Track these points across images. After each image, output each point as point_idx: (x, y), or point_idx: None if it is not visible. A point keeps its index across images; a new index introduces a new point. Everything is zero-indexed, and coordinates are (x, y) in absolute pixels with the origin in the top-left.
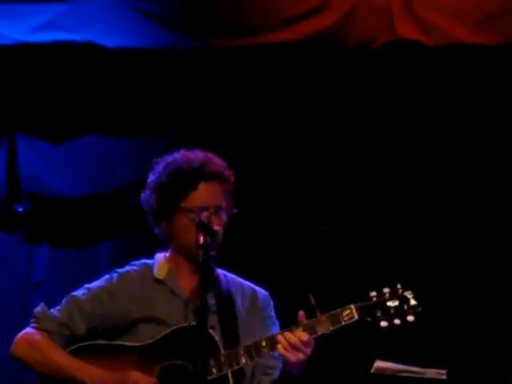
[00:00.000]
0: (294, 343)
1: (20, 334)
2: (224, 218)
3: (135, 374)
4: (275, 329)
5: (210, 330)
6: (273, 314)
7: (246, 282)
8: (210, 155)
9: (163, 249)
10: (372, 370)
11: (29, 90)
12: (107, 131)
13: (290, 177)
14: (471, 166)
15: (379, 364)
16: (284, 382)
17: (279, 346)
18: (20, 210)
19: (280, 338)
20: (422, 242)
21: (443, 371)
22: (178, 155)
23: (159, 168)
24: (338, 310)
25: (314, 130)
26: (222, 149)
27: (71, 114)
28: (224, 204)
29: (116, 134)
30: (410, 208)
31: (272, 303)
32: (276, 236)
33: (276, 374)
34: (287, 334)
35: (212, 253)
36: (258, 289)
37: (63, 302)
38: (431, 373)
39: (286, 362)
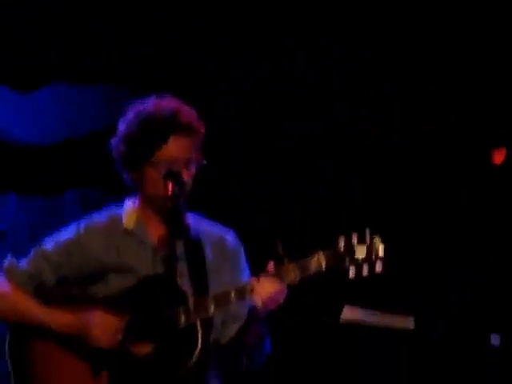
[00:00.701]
0: (265, 292)
1: None
2: (193, 169)
3: (99, 313)
4: (245, 276)
5: (179, 279)
6: (243, 259)
7: (216, 227)
8: (182, 105)
9: (131, 195)
10: (340, 319)
11: None
12: (72, 79)
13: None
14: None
15: (347, 311)
16: (250, 326)
17: (252, 295)
18: None
19: (250, 286)
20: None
21: (411, 318)
22: (149, 104)
23: (130, 116)
24: (306, 259)
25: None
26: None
27: (37, 61)
28: (193, 156)
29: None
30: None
31: (242, 248)
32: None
33: (238, 324)
34: (256, 283)
35: (181, 202)
36: (227, 233)
37: (31, 253)
38: (399, 321)
39: (255, 308)
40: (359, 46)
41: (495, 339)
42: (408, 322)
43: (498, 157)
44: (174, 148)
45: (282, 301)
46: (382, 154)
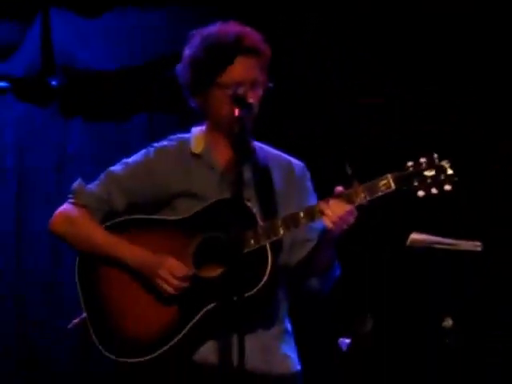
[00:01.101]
0: (334, 213)
1: (59, 209)
2: (260, 92)
3: (171, 261)
4: (312, 200)
5: (247, 202)
6: (310, 185)
7: (283, 155)
8: (247, 28)
9: (199, 123)
10: (407, 243)
11: None
12: (137, 5)
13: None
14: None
15: (415, 236)
16: (320, 250)
17: (322, 216)
18: (54, 83)
19: (319, 207)
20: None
21: (478, 243)
22: (214, 28)
23: (195, 41)
24: (375, 180)
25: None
26: None
27: None
28: (260, 78)
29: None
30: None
31: (309, 175)
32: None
33: (309, 247)
34: (325, 204)
35: (247, 125)
36: (294, 160)
37: (101, 177)
38: (466, 245)
39: (325, 231)
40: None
41: None
42: (476, 246)
43: None
44: (240, 69)
45: (352, 221)
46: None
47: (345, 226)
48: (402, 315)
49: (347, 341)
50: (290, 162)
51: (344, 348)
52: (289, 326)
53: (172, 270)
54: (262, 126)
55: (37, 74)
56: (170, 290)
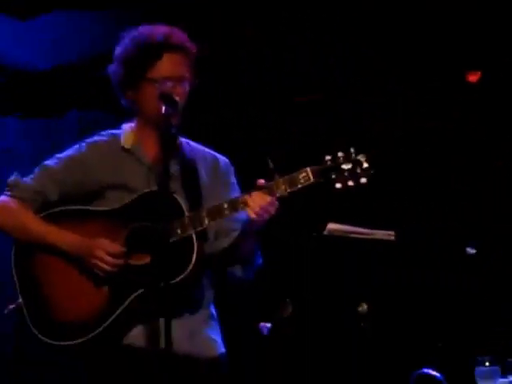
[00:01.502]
0: (256, 204)
1: None
2: (186, 87)
3: (104, 241)
4: (236, 193)
5: (174, 194)
6: (234, 179)
7: (208, 150)
8: (174, 28)
9: (129, 120)
10: (325, 232)
11: None
12: (71, 7)
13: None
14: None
15: (331, 226)
16: (244, 240)
17: (247, 207)
18: None
19: (242, 199)
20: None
21: (392, 232)
22: (143, 28)
23: (126, 40)
24: (295, 173)
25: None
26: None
27: None
28: (186, 75)
29: (79, 9)
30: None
31: (233, 169)
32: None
33: (232, 236)
34: (248, 196)
35: (173, 122)
36: (219, 156)
37: (36, 171)
38: (380, 234)
39: (248, 222)
40: (362, 43)
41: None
42: (390, 235)
43: (473, 77)
44: (168, 65)
45: (273, 212)
46: (386, 149)
47: (266, 217)
48: (321, 301)
49: (268, 325)
50: (215, 157)
51: (265, 332)
52: (214, 312)
53: (106, 248)
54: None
55: None
56: (105, 267)
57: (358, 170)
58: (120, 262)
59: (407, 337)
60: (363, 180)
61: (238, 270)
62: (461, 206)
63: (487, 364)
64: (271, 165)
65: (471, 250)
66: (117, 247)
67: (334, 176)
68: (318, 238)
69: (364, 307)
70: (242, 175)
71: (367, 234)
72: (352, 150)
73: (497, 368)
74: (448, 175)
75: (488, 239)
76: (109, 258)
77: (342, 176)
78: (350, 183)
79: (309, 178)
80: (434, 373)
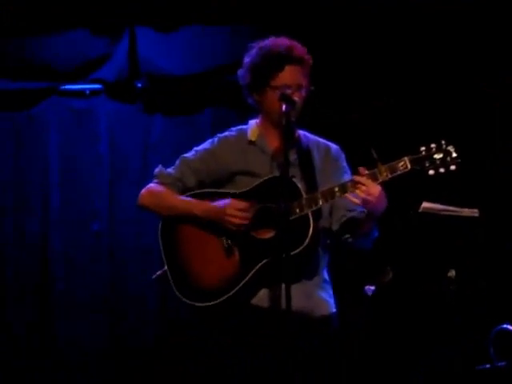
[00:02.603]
0: (363, 188)
1: (144, 188)
2: (303, 93)
3: (233, 200)
4: (347, 176)
5: (293, 179)
6: (344, 164)
7: (322, 140)
8: (295, 42)
9: (254, 117)
10: (420, 210)
11: None
12: (206, 23)
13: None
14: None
15: (426, 204)
16: (366, 220)
17: (356, 190)
18: (139, 85)
19: (351, 183)
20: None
21: (475, 210)
22: (269, 41)
23: (253, 51)
24: (394, 162)
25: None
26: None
27: (180, 7)
28: (303, 83)
29: (212, 24)
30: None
31: (343, 155)
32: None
33: (350, 214)
34: (356, 180)
35: (292, 118)
36: (331, 144)
37: (176, 162)
38: (466, 211)
39: (364, 205)
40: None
41: None
42: (474, 212)
43: None
44: (288, 75)
45: (376, 195)
46: None
47: (371, 199)
48: (416, 268)
49: (372, 288)
50: (327, 146)
51: (370, 293)
52: (327, 276)
53: (236, 205)
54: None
55: (125, 78)
56: (237, 221)
57: (448, 159)
58: (249, 215)
59: (488, 296)
60: (453, 167)
61: (359, 242)
62: None
63: None
64: (375, 155)
65: None
66: (246, 203)
67: (427, 164)
68: (415, 214)
69: (453, 273)
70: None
71: (455, 212)
72: (443, 141)
73: None
74: None
75: None
76: (239, 213)
77: (434, 164)
78: (442, 170)
79: (406, 166)
80: None
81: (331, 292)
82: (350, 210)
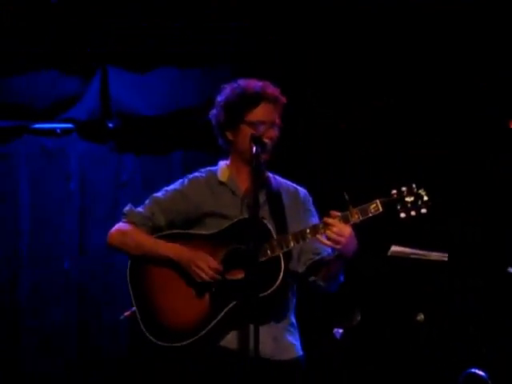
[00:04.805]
0: (333, 230)
1: (114, 227)
2: (276, 132)
3: (205, 255)
4: (314, 220)
5: (264, 220)
6: (312, 207)
7: (291, 183)
8: (267, 82)
9: (224, 158)
10: (389, 253)
11: (118, 29)
12: (177, 65)
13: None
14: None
15: (394, 248)
16: (334, 263)
17: (326, 231)
18: (110, 125)
19: (322, 225)
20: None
21: (445, 254)
22: (242, 81)
23: (227, 90)
24: (366, 204)
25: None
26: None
27: (152, 49)
28: (277, 121)
29: (184, 66)
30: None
31: (311, 199)
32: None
33: (317, 257)
34: (327, 222)
35: (262, 160)
36: (299, 187)
37: (146, 201)
38: (435, 255)
39: (335, 246)
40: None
41: None
42: (443, 256)
43: None
44: (263, 111)
45: (347, 236)
46: None
47: (342, 240)
48: (385, 311)
49: (340, 331)
50: (295, 189)
51: (338, 336)
52: (294, 320)
53: (207, 261)
54: None
55: (97, 118)
56: (205, 277)
57: (419, 202)
58: (217, 276)
59: (456, 340)
60: (423, 211)
61: (324, 285)
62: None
63: None
64: (347, 197)
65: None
66: (216, 263)
67: (399, 207)
68: (384, 257)
69: (421, 316)
70: (319, 206)
71: (424, 255)
72: (414, 185)
73: None
74: None
75: None
76: (209, 270)
77: (405, 207)
78: (413, 213)
79: (378, 208)
80: (481, 372)
81: (298, 335)
82: (317, 254)
